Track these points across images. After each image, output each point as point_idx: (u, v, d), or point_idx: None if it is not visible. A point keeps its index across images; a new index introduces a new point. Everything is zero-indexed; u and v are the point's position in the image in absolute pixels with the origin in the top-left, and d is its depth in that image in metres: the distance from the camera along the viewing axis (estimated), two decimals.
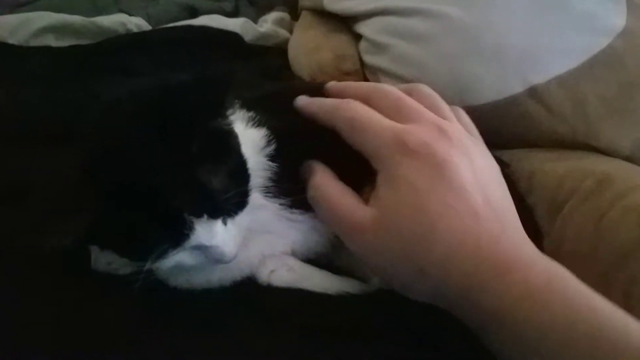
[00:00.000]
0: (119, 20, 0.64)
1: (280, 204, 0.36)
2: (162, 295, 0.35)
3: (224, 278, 0.36)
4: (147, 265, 0.29)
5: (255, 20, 0.74)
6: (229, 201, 0.30)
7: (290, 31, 0.73)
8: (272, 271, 0.38)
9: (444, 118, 0.34)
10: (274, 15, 0.75)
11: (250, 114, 0.36)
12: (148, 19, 0.67)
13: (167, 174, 0.27)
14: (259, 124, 0.36)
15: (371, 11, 0.58)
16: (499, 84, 0.48)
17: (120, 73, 0.58)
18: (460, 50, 0.49)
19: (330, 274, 0.39)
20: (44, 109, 0.49)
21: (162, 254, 0.29)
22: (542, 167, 0.45)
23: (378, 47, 0.57)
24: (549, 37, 0.47)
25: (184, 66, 0.60)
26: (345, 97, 0.36)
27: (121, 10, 0.69)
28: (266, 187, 0.35)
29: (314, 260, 0.41)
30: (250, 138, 0.34)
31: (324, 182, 0.34)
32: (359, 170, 0.34)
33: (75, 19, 0.62)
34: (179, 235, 0.29)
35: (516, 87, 0.47)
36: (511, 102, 0.47)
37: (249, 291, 0.37)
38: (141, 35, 0.64)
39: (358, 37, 0.61)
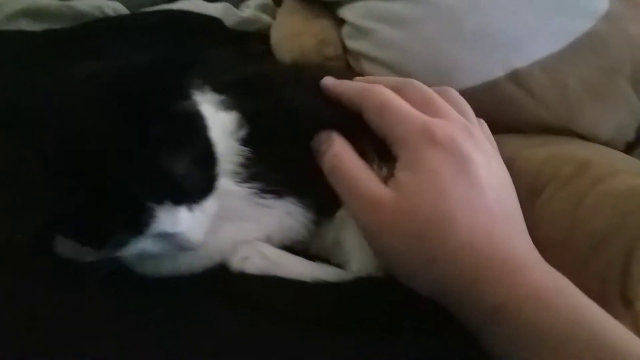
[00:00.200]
0: (96, 4, 0.62)
1: (253, 190, 0.35)
2: (131, 283, 0.35)
3: (193, 265, 0.35)
4: (108, 255, 0.28)
5: (237, 5, 0.72)
6: (194, 187, 0.29)
7: (274, 17, 0.71)
8: (244, 258, 0.37)
9: (469, 122, 0.36)
10: (256, 0, 0.73)
11: (222, 97, 0.35)
12: (126, 3, 0.65)
13: (125, 159, 0.26)
14: (230, 107, 0.35)
15: None
16: (481, 68, 0.47)
17: (96, 58, 0.56)
18: (442, 34, 0.48)
19: (306, 260, 0.39)
20: (10, 94, 0.47)
21: (123, 242, 0.28)
22: (523, 153, 0.44)
23: (361, 32, 0.56)
24: (531, 19, 0.46)
25: (163, 52, 0.58)
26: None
27: None
28: (237, 172, 0.34)
29: (290, 247, 0.41)
30: (221, 122, 0.33)
31: (346, 153, 0.35)
32: None
33: (50, 2, 0.60)
34: (139, 222, 0.28)
35: (498, 71, 0.46)
36: (493, 87, 0.47)
37: (221, 279, 0.36)
38: (118, 19, 0.62)
39: (341, 22, 0.60)
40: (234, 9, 0.69)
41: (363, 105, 0.35)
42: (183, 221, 0.29)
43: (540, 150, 0.44)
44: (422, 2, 0.50)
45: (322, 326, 0.34)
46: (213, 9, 0.66)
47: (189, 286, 0.36)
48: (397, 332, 0.34)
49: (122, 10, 0.64)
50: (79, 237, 0.29)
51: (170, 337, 0.32)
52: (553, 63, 0.45)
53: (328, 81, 0.39)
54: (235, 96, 0.36)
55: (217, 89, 0.35)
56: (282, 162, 0.35)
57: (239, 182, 0.34)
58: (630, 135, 0.48)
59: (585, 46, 0.45)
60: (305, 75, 0.44)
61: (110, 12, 0.63)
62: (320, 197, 0.38)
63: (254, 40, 0.67)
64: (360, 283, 0.36)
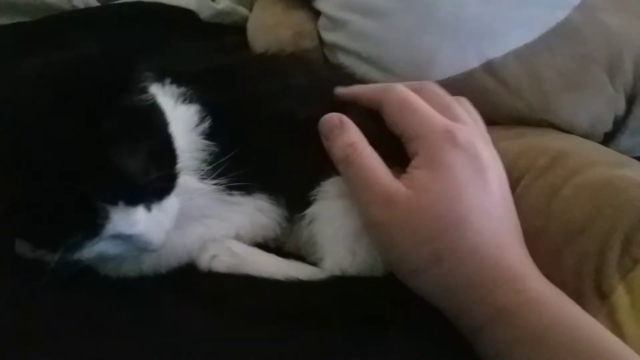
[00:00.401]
0: None
1: (218, 186, 0.34)
2: (96, 284, 0.33)
3: (159, 265, 0.34)
4: (66, 257, 0.27)
5: None
6: (151, 185, 0.27)
7: (250, 9, 0.70)
8: (213, 256, 0.36)
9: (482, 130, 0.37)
10: None
11: (182, 89, 0.33)
12: None
13: (73, 156, 0.25)
14: (193, 99, 0.33)
15: None
16: (456, 59, 0.46)
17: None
18: (416, 24, 0.47)
19: (278, 258, 0.38)
20: None
21: (77, 245, 0.26)
22: (499, 145, 0.43)
23: (336, 24, 0.55)
24: (505, 9, 0.46)
25: (134, 45, 0.56)
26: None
27: None
28: (201, 168, 0.33)
29: (264, 245, 0.39)
30: (181, 115, 0.32)
31: (362, 143, 0.34)
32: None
33: None
34: (92, 224, 0.26)
35: (472, 62, 0.46)
36: (468, 78, 0.46)
37: (189, 278, 0.35)
38: (87, 11, 0.60)
39: (318, 14, 0.59)
40: (209, 1, 0.67)
41: (384, 101, 0.36)
42: (140, 222, 0.28)
43: (516, 143, 0.43)
44: None
45: (293, 324, 0.33)
46: (186, 1, 0.64)
47: (157, 286, 0.35)
48: (369, 330, 0.33)
49: (92, 2, 0.62)
50: (32, 239, 0.27)
51: (138, 339, 0.31)
52: (527, 53, 0.45)
53: (341, 89, 0.39)
54: (199, 88, 0.34)
55: (178, 81, 0.34)
56: (249, 156, 0.34)
57: (203, 178, 0.33)
58: (607, 126, 0.48)
59: (560, 36, 0.45)
60: (274, 65, 0.43)
61: (80, 5, 0.61)
62: (292, 192, 0.37)
63: (229, 33, 0.65)
64: (331, 281, 0.36)
